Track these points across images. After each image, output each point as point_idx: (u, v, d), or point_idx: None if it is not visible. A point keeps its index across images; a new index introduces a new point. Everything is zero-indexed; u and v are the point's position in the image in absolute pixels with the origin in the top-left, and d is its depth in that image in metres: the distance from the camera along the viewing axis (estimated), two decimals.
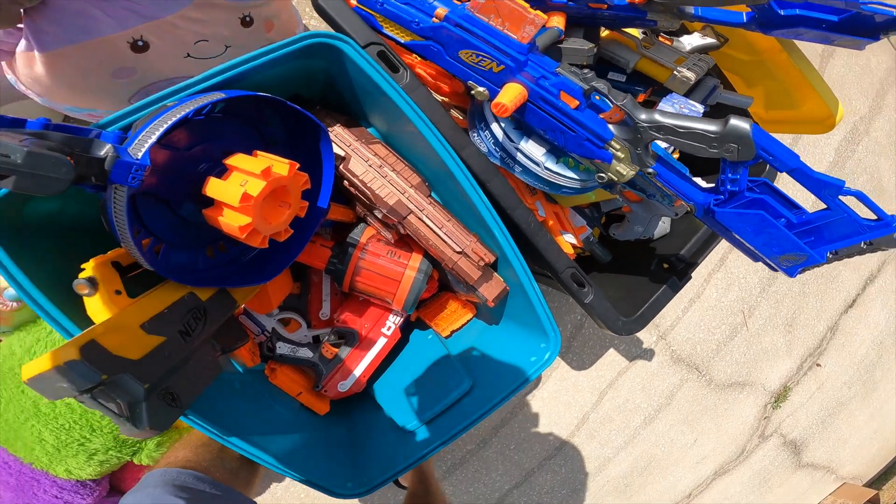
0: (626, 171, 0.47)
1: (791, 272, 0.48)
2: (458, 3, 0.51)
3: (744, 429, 1.59)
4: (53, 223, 0.45)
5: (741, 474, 1.68)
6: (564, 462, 1.26)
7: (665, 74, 0.58)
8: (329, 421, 0.69)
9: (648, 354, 1.25)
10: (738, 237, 0.46)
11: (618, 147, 0.46)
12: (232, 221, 0.38)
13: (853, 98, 1.45)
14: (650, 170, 0.47)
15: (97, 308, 0.39)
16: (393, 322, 0.68)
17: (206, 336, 0.45)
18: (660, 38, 0.61)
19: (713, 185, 0.47)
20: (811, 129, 0.62)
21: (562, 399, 1.17)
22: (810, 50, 1.35)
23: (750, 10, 0.51)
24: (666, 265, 0.70)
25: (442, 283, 0.74)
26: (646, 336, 1.23)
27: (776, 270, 0.48)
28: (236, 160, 0.39)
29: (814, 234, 0.45)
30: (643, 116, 0.43)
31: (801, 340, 1.51)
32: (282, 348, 0.65)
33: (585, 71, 0.48)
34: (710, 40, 0.61)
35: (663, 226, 0.73)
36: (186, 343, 0.42)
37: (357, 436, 0.67)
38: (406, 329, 0.75)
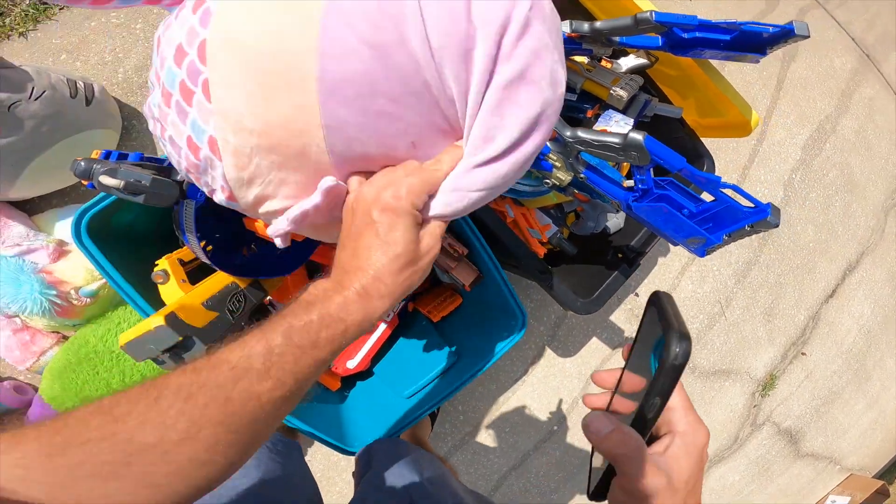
0: (563, 177, 0.60)
1: (699, 252, 0.60)
2: None
3: (734, 416, 1.66)
4: (129, 233, 0.61)
5: (737, 463, 1.74)
6: (558, 445, 1.37)
7: (605, 93, 0.71)
8: (339, 394, 0.83)
9: (631, 342, 1.36)
10: (654, 226, 0.59)
11: (554, 158, 0.59)
12: (264, 226, 0.52)
13: (817, 99, 1.55)
14: (581, 175, 0.61)
15: (169, 292, 0.54)
16: (391, 309, 0.82)
17: (246, 315, 0.60)
18: (602, 63, 0.75)
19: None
20: (736, 133, 0.74)
21: (550, 384, 1.28)
22: (772, 57, 1.47)
23: (662, 35, 0.64)
24: (620, 255, 0.83)
25: (433, 279, 0.88)
26: (627, 325, 1.34)
27: (691, 252, 0.60)
28: None
29: (712, 221, 0.57)
30: (568, 133, 0.56)
31: (782, 330, 1.61)
32: None
33: None
34: (642, 60, 0.74)
35: (618, 222, 0.86)
36: (233, 318, 0.56)
37: (362, 405, 0.80)
38: (405, 318, 0.89)
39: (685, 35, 0.61)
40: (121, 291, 0.55)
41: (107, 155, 0.44)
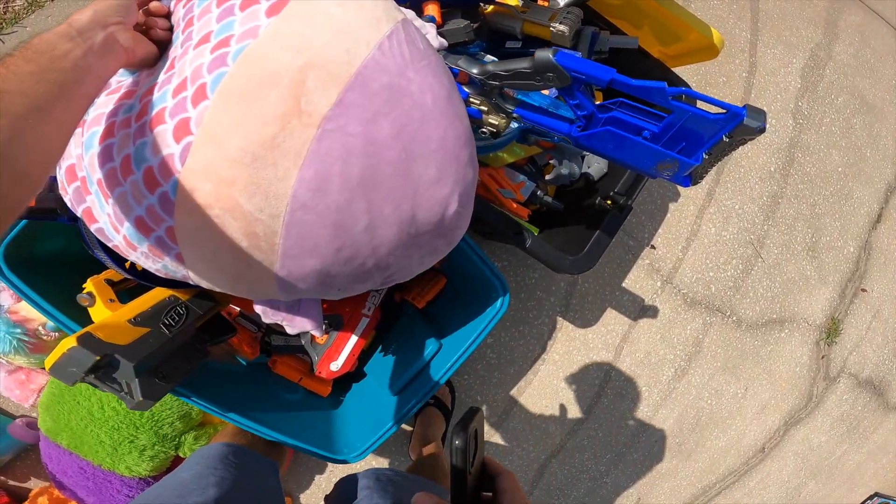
0: (496, 121, 0.53)
1: (682, 181, 0.51)
2: None
3: (801, 371, 1.51)
4: (63, 259, 0.58)
5: (820, 422, 1.57)
6: (599, 426, 1.27)
7: (548, 32, 0.63)
8: (333, 400, 0.78)
9: (657, 302, 1.24)
10: (611, 157, 0.51)
11: (477, 102, 0.52)
12: None
13: (801, 27, 1.43)
14: (513, 115, 0.53)
15: (98, 314, 0.50)
16: (372, 303, 0.77)
17: (189, 328, 0.55)
18: (537, 2, 0.67)
19: None
20: (704, 56, 0.65)
21: (576, 359, 1.19)
22: None
23: None
24: (609, 202, 0.74)
25: None
26: (648, 283, 1.23)
27: (675, 183, 0.51)
28: None
29: (685, 140, 0.47)
30: (475, 70, 0.49)
31: (832, 265, 1.44)
32: (276, 340, 0.75)
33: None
34: None
35: (600, 167, 0.77)
36: (170, 332, 0.52)
37: (354, 408, 0.75)
38: (392, 309, 0.83)
39: None
40: (52, 319, 0.53)
41: None
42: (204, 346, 0.58)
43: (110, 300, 0.51)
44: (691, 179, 0.49)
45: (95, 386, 0.46)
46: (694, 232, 1.24)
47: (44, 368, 0.82)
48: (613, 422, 1.28)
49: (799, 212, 1.36)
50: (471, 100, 0.53)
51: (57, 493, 0.85)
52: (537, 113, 0.52)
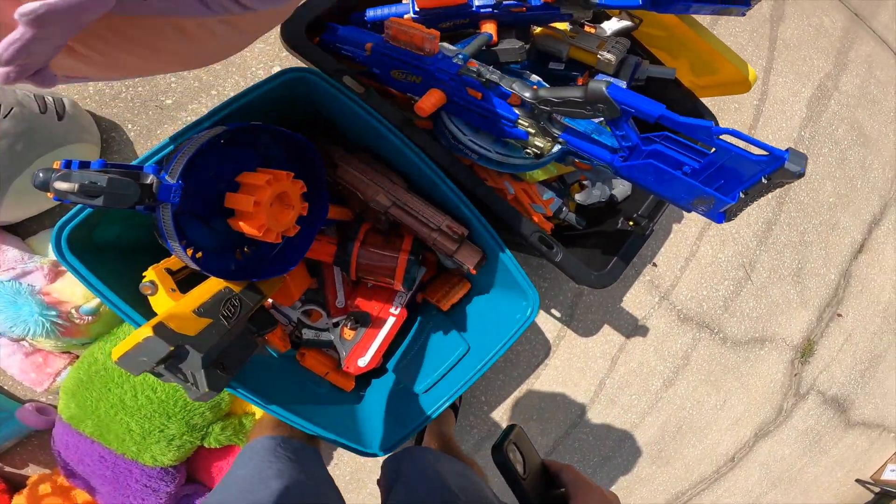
0: (542, 143, 0.56)
1: (716, 218, 0.53)
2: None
3: (775, 387, 1.59)
4: (117, 246, 0.59)
5: (786, 435, 1.67)
6: (590, 430, 1.33)
7: (593, 58, 0.67)
8: (355, 395, 0.81)
9: (654, 316, 1.31)
10: (651, 189, 0.54)
11: (526, 124, 0.56)
12: (250, 224, 0.50)
13: (813, 57, 1.50)
14: (560, 139, 0.57)
15: (159, 303, 0.52)
16: (399, 302, 0.80)
17: (242, 320, 0.57)
18: (585, 28, 0.71)
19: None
20: (735, 89, 0.70)
21: (575, 366, 1.24)
22: (760, 19, 1.41)
23: None
24: (631, 223, 0.79)
25: (439, 265, 0.85)
26: (647, 298, 1.29)
27: (709, 218, 0.54)
28: (244, 177, 0.52)
29: (723, 178, 0.50)
30: (527, 94, 0.52)
31: (814, 290, 1.53)
32: (307, 334, 0.77)
33: (481, 66, 0.58)
34: (626, 23, 0.70)
35: (625, 189, 0.82)
36: (228, 324, 0.54)
37: (379, 404, 0.78)
38: (414, 310, 0.86)
39: None
40: (110, 305, 0.54)
41: (67, 164, 0.42)
42: (254, 338, 0.60)
43: (171, 290, 0.53)
44: (725, 216, 0.53)
45: (159, 376, 0.47)
46: (693, 253, 1.31)
47: (67, 353, 0.82)
48: (603, 427, 1.34)
49: (789, 239, 1.44)
50: (520, 121, 0.56)
51: (61, 481, 0.84)
52: (582, 140, 0.56)
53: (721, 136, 0.47)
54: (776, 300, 1.48)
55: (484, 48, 0.62)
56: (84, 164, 0.43)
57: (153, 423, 0.75)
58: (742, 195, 0.50)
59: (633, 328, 1.29)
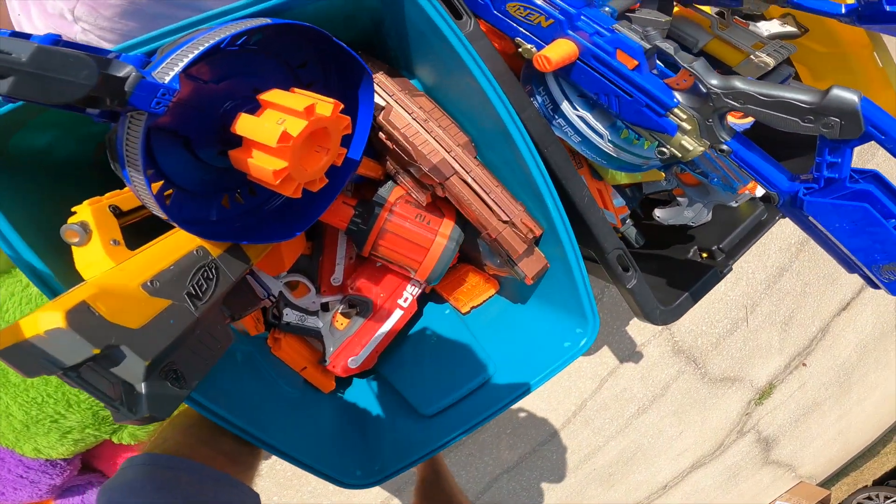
0: (692, 145, 0.41)
1: (892, 288, 0.43)
2: None
3: (726, 423, 1.61)
4: (42, 161, 0.37)
5: (714, 468, 1.71)
6: (556, 449, 1.25)
7: (737, 58, 0.52)
8: (337, 402, 0.64)
9: (652, 344, 1.23)
10: (830, 236, 0.41)
11: (684, 117, 0.40)
12: (265, 164, 0.31)
13: None
14: (724, 146, 0.42)
15: (89, 260, 0.32)
16: (410, 293, 0.62)
17: (217, 301, 0.38)
18: (735, 21, 0.55)
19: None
20: None
21: (563, 384, 1.14)
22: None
23: (854, 1, 0.46)
24: (705, 254, 0.66)
25: (463, 254, 0.68)
26: (648, 327, 1.20)
27: (877, 287, 0.43)
28: (273, 96, 0.32)
29: None
30: (715, 82, 0.37)
31: (794, 339, 1.53)
32: (289, 315, 0.58)
33: (648, 29, 0.43)
34: (789, 28, 0.56)
35: (704, 212, 0.68)
36: (196, 308, 0.35)
37: (367, 419, 0.61)
38: (421, 302, 0.70)
39: (889, 8, 0.43)
40: (9, 250, 0.33)
41: None
42: (227, 327, 0.41)
43: (113, 241, 0.33)
44: None
45: (71, 383, 0.28)
46: None
47: None
48: (569, 447, 1.27)
49: (793, 287, 1.40)
50: (677, 111, 0.40)
51: None
52: (756, 154, 0.41)
53: None
54: (760, 344, 1.45)
55: (622, 11, 0.45)
56: (19, 35, 0.23)
57: (44, 410, 0.55)
58: None
59: (628, 353, 1.20)
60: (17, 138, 0.33)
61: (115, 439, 0.63)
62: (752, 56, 0.51)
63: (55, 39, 0.24)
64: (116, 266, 0.32)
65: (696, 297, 0.63)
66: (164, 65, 0.27)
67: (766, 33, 0.56)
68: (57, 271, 0.33)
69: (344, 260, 0.62)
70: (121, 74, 0.26)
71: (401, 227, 0.53)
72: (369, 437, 0.58)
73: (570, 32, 0.44)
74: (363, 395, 0.65)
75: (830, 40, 0.56)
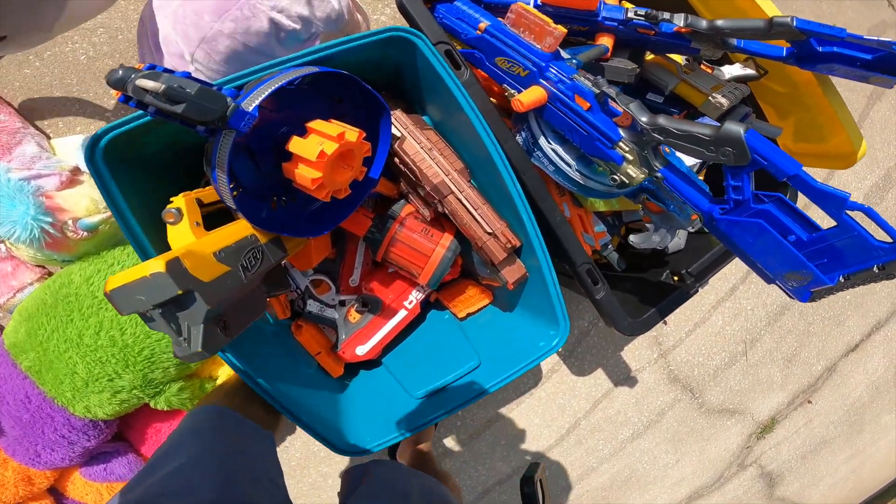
0: (635, 173, 0.51)
1: (802, 295, 0.49)
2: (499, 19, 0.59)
3: (725, 455, 1.60)
4: (150, 163, 0.51)
5: (713, 501, 1.68)
6: (550, 465, 1.30)
7: (700, 99, 0.62)
8: (342, 384, 0.74)
9: (647, 370, 1.28)
10: (742, 250, 0.50)
11: (626, 148, 0.50)
12: (306, 174, 0.43)
13: (892, 143, 1.46)
14: (658, 174, 0.52)
15: (179, 235, 0.45)
16: (415, 297, 0.73)
17: (259, 276, 0.50)
18: (701, 66, 0.66)
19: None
20: (835, 164, 0.65)
21: (557, 401, 1.20)
22: (862, 92, 1.36)
23: (790, 45, 0.54)
24: (676, 278, 0.74)
25: (464, 269, 0.79)
26: (647, 352, 1.26)
27: (790, 296, 0.50)
28: (316, 124, 0.45)
29: (827, 256, 0.46)
30: (644, 119, 0.47)
31: (797, 377, 1.54)
32: (311, 306, 0.70)
33: (598, 78, 0.54)
34: (750, 71, 0.65)
35: (678, 241, 0.78)
36: (245, 277, 0.47)
37: (365, 399, 0.71)
38: (425, 308, 0.80)
39: (821, 49, 0.52)
40: (123, 225, 0.46)
41: (151, 67, 0.37)
42: (264, 298, 0.53)
43: (196, 223, 0.45)
44: (811, 296, 0.49)
45: (149, 321, 0.40)
46: (704, 319, 1.29)
47: (41, 267, 0.72)
48: (563, 465, 1.31)
49: (795, 325, 1.44)
50: (621, 144, 0.51)
51: None
52: (682, 179, 0.51)
53: (850, 212, 0.42)
54: (761, 379, 1.47)
55: (594, 61, 0.57)
56: (168, 71, 0.37)
57: (105, 369, 0.65)
58: (842, 279, 0.46)
59: (623, 377, 1.26)
60: (135, 148, 0.47)
61: (152, 403, 0.72)
62: (710, 97, 0.61)
63: (187, 75, 0.38)
64: (197, 240, 0.44)
65: (663, 313, 0.72)
66: (250, 97, 0.41)
67: (728, 76, 0.66)
68: (152, 243, 0.46)
69: (361, 265, 0.74)
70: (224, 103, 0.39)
71: (408, 237, 0.65)
72: (365, 414, 0.67)
73: (542, 81, 0.55)
74: (365, 382, 0.75)
75: (787, 81, 0.64)
